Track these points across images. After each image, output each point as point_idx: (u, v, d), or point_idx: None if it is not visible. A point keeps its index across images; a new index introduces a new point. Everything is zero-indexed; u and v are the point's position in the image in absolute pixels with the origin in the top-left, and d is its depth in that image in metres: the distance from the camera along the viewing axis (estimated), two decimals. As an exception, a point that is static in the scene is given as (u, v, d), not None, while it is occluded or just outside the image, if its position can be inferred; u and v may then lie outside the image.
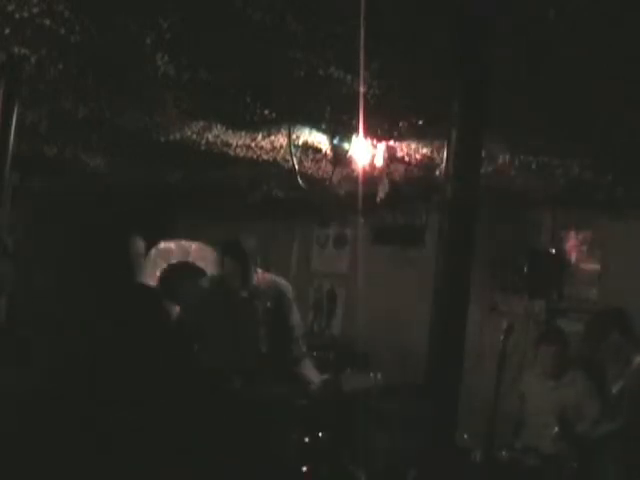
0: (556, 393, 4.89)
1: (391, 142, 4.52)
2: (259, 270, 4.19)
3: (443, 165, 2.89)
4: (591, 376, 4.91)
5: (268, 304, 4.11)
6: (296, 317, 4.27)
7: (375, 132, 4.31)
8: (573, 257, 5.82)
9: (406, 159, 4.88)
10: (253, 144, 4.96)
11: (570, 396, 4.82)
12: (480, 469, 4.61)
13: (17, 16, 2.96)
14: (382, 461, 5.96)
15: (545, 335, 5.20)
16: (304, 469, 5.21)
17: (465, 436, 4.79)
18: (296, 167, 5.00)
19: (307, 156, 5.13)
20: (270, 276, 4.25)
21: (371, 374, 5.66)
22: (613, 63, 2.89)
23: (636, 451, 4.20)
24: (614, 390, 4.47)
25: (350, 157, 4.66)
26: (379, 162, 4.71)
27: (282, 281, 4.29)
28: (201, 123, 4.56)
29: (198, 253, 6.72)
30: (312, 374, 4.10)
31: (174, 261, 6.60)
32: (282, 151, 5.07)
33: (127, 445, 1.62)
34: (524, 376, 5.29)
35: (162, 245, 6.60)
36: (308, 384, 4.04)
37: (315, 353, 5.54)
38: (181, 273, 6.50)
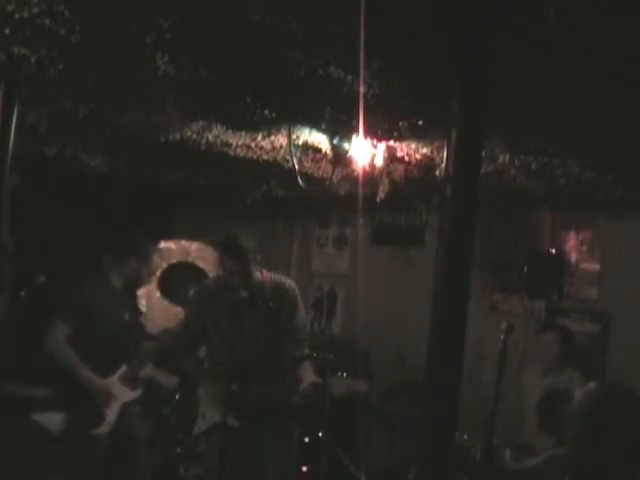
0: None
1: (391, 142, 4.52)
2: (264, 270, 4.18)
3: (443, 165, 2.88)
4: (588, 376, 4.93)
5: (271, 304, 4.11)
6: (301, 318, 4.26)
7: (375, 132, 4.31)
8: (573, 257, 5.82)
9: (406, 159, 4.88)
10: (253, 144, 4.96)
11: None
12: (480, 469, 4.62)
13: (17, 16, 2.96)
14: (382, 461, 5.96)
15: (550, 324, 5.24)
16: (304, 469, 5.22)
17: (465, 436, 4.80)
18: (296, 167, 5.00)
19: (307, 156, 5.13)
20: (275, 276, 4.24)
21: (361, 379, 5.70)
22: (613, 63, 2.90)
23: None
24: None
25: (350, 157, 4.66)
26: (379, 162, 4.71)
27: (287, 281, 4.28)
28: (201, 123, 4.56)
29: (198, 253, 6.73)
30: (308, 376, 4.09)
31: (174, 261, 6.62)
32: (282, 151, 5.07)
33: None
34: (524, 375, 5.30)
35: (162, 245, 6.61)
36: (300, 386, 4.04)
37: (315, 353, 5.55)
38: (181, 273, 6.52)
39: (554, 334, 5.04)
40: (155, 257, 4.95)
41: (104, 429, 4.49)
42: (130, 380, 4.63)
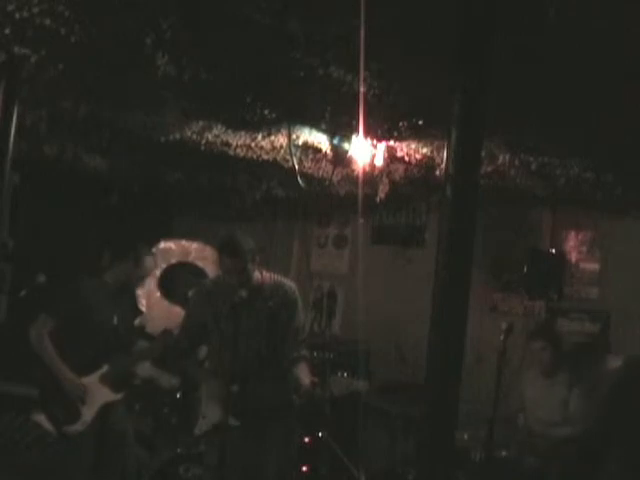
0: (552, 392, 4.90)
1: (391, 142, 4.52)
2: (264, 271, 4.18)
3: (443, 165, 2.89)
4: (584, 375, 4.93)
5: (270, 304, 4.10)
6: (300, 319, 4.25)
7: (375, 132, 4.31)
8: (573, 257, 5.83)
9: (406, 159, 4.88)
10: (253, 144, 4.96)
11: (566, 395, 4.84)
12: (480, 469, 4.62)
13: (17, 16, 2.96)
14: (382, 461, 5.96)
15: (535, 332, 5.22)
16: (304, 469, 5.23)
17: (465, 436, 4.80)
18: (296, 167, 5.00)
19: (307, 156, 5.13)
20: (275, 277, 4.23)
21: (361, 379, 5.69)
22: (613, 63, 2.90)
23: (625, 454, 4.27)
24: (593, 394, 4.52)
25: (350, 157, 4.66)
26: (379, 162, 4.71)
27: (287, 282, 4.27)
28: (201, 123, 4.56)
29: (198, 253, 6.72)
30: (304, 376, 4.08)
31: (174, 261, 6.61)
32: (282, 151, 5.07)
33: None
34: (524, 376, 5.29)
35: (162, 245, 6.60)
36: (298, 386, 4.03)
37: (315, 353, 5.55)
38: (181, 273, 6.51)
39: (540, 343, 5.02)
40: (149, 260, 4.92)
41: (78, 427, 4.46)
42: (110, 381, 4.60)
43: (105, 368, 4.59)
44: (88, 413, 4.50)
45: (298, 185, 5.18)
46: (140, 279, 4.99)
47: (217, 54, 3.28)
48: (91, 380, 4.54)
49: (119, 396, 4.66)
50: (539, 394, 4.97)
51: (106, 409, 4.58)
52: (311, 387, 3.99)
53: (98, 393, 4.55)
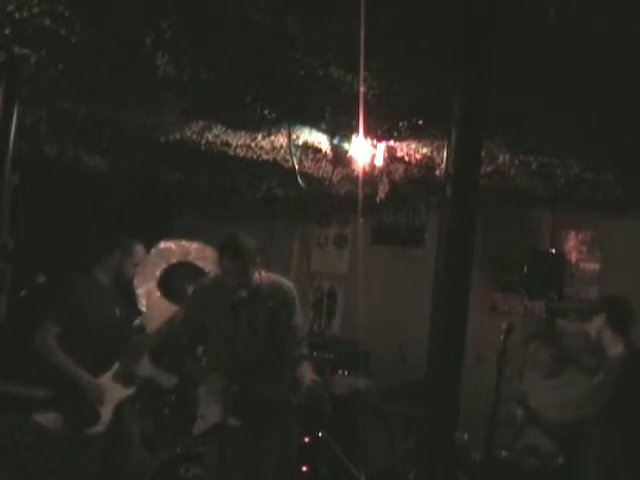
0: (556, 392, 4.89)
1: (391, 142, 4.52)
2: (262, 271, 4.18)
3: (443, 165, 2.89)
4: (589, 374, 4.92)
5: (269, 304, 4.10)
6: (299, 318, 4.25)
7: (375, 132, 4.31)
8: (573, 257, 5.83)
9: (406, 159, 4.88)
10: (253, 144, 4.96)
11: (571, 395, 4.82)
12: (480, 469, 4.62)
13: (17, 16, 2.96)
14: (382, 461, 5.96)
15: (534, 333, 5.21)
16: (304, 469, 5.23)
17: (465, 436, 4.80)
18: (296, 167, 5.00)
19: (307, 156, 5.13)
20: (273, 277, 4.23)
21: (362, 378, 5.69)
22: (613, 63, 2.90)
23: (618, 441, 4.27)
24: (594, 381, 4.51)
25: (350, 157, 4.66)
26: (379, 162, 4.71)
27: (285, 282, 4.28)
28: (201, 123, 4.56)
29: (198, 253, 6.71)
30: (308, 375, 4.09)
31: (174, 261, 6.60)
32: (282, 151, 5.07)
33: None
34: (525, 376, 5.29)
35: (162, 245, 6.59)
36: (301, 385, 4.03)
37: (315, 353, 5.55)
38: (181, 273, 6.50)
39: (537, 343, 5.00)
40: (140, 250, 4.91)
41: (99, 428, 4.47)
42: (123, 378, 4.61)
43: (116, 365, 4.60)
44: (106, 413, 4.51)
45: (298, 185, 5.18)
46: (133, 267, 4.96)
47: (217, 54, 3.28)
48: (105, 380, 4.55)
49: (130, 392, 4.68)
50: (542, 396, 4.94)
51: (119, 407, 4.60)
52: (314, 384, 3.99)
53: (113, 391, 4.56)
